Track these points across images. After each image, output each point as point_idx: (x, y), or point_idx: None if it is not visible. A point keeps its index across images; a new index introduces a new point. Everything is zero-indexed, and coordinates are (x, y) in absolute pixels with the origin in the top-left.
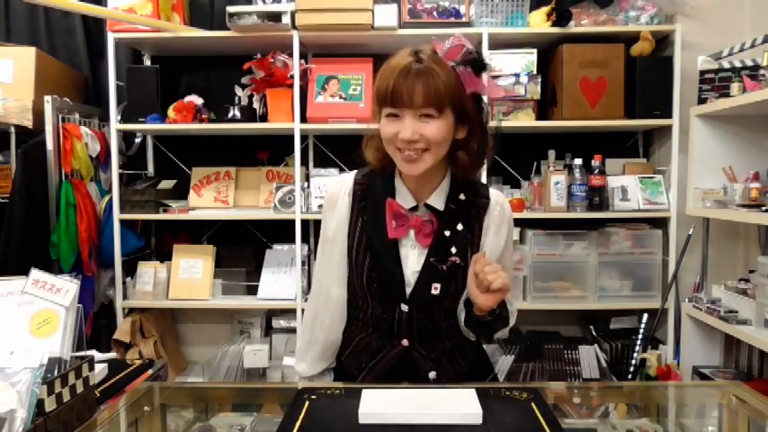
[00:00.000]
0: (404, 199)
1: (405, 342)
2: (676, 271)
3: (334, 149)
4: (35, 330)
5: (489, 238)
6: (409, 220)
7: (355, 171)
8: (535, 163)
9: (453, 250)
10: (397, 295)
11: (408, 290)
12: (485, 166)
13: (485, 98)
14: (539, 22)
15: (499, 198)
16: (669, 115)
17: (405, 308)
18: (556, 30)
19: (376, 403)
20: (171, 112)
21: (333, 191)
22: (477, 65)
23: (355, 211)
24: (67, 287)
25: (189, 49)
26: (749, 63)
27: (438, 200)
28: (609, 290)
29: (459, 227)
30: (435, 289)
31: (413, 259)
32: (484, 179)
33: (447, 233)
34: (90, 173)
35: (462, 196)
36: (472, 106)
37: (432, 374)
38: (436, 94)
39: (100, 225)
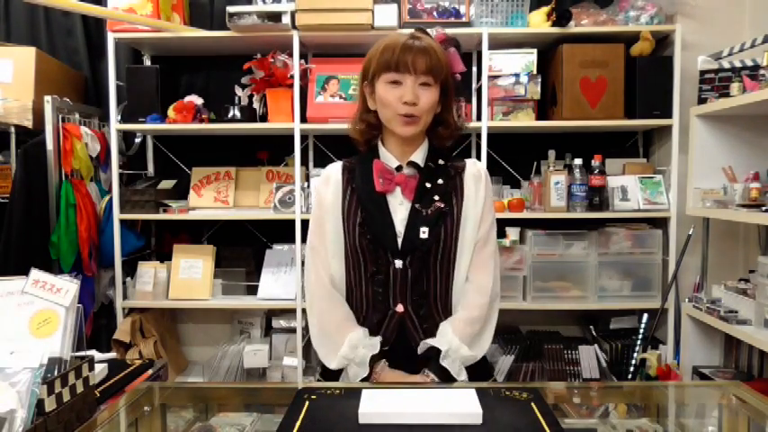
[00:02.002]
0: (388, 160)
1: (399, 308)
2: (676, 271)
3: (334, 149)
4: (35, 330)
5: (469, 189)
6: (395, 176)
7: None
8: (535, 163)
9: (436, 197)
10: (389, 247)
11: (399, 240)
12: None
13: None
14: (539, 22)
15: (474, 160)
16: (669, 115)
17: (398, 264)
18: (556, 30)
19: (376, 403)
20: (171, 112)
21: (326, 171)
22: (458, 47)
23: (345, 180)
24: (67, 287)
25: (189, 49)
26: (749, 63)
27: (418, 157)
28: (609, 290)
29: (440, 181)
30: (423, 233)
31: (402, 213)
32: None
33: (428, 185)
34: (90, 173)
35: (441, 161)
36: (453, 85)
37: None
38: (435, 65)
39: (100, 225)
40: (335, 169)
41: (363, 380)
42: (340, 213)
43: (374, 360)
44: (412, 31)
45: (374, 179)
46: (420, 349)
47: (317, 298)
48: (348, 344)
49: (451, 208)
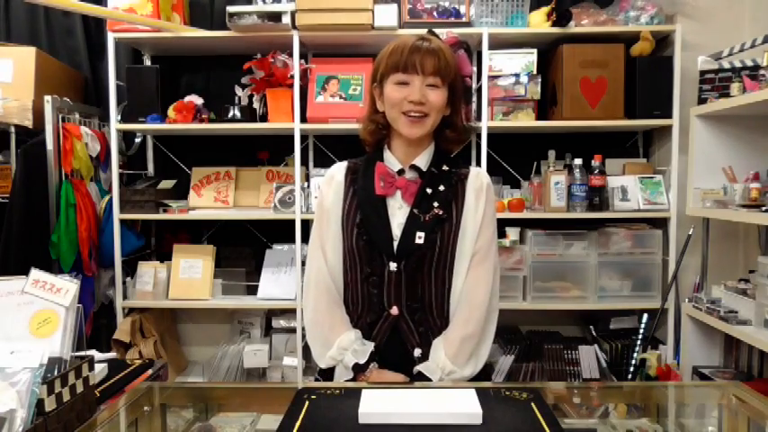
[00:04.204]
0: (391, 163)
1: (394, 310)
2: (676, 271)
3: (335, 149)
4: (35, 330)
5: (470, 199)
6: (396, 180)
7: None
8: (535, 163)
9: (436, 204)
10: (384, 250)
11: (395, 244)
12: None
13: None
14: (539, 22)
15: (479, 170)
16: (669, 115)
17: (393, 266)
18: (556, 30)
19: (376, 403)
20: (171, 112)
21: (330, 170)
22: (467, 50)
23: (348, 181)
24: (67, 287)
25: (189, 49)
26: (749, 63)
27: (422, 161)
28: (609, 290)
29: (441, 188)
30: (419, 238)
31: (400, 216)
32: None
33: (429, 191)
34: (90, 173)
35: (445, 167)
36: (461, 87)
37: (417, 352)
38: (444, 67)
39: (100, 225)
40: (339, 169)
41: (350, 381)
42: (340, 213)
43: (367, 363)
44: (422, 32)
45: (375, 182)
46: (414, 371)
47: (314, 295)
48: (338, 346)
49: (450, 216)
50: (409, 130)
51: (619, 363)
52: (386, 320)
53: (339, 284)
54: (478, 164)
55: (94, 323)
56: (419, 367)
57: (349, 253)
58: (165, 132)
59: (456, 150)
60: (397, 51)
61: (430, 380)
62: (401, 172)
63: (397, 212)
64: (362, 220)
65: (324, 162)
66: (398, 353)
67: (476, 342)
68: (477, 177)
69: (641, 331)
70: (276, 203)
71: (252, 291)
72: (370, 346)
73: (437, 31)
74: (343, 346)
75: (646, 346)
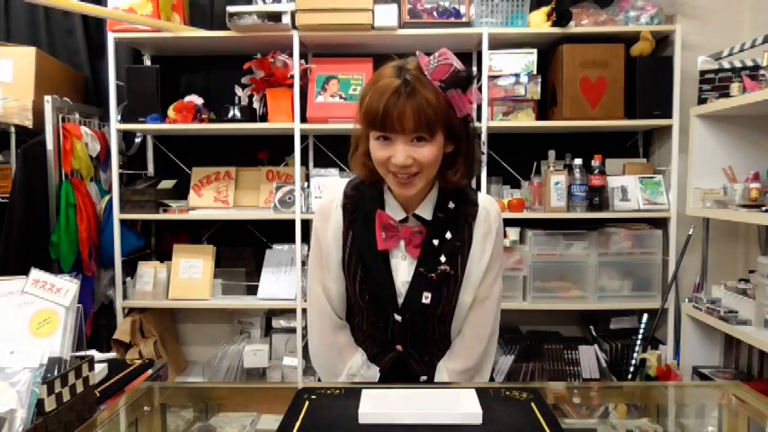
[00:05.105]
0: (394, 211)
1: (399, 348)
2: (676, 271)
3: (334, 149)
4: (35, 330)
5: (477, 244)
6: (399, 231)
7: (346, 182)
8: (535, 163)
9: (443, 259)
10: (389, 305)
11: (400, 300)
12: (483, 169)
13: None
14: (539, 22)
15: (486, 203)
16: (669, 115)
17: (398, 317)
18: (556, 30)
19: (376, 403)
20: (171, 112)
21: (324, 203)
22: (466, 83)
23: (346, 224)
24: (67, 287)
25: (189, 49)
26: (749, 63)
27: (426, 210)
28: (609, 290)
29: (448, 235)
30: (426, 298)
31: (403, 270)
32: (484, 180)
33: (435, 242)
34: (90, 173)
35: (451, 204)
36: (460, 124)
37: (423, 378)
38: (427, 119)
39: (100, 225)
40: (334, 205)
41: None
42: (340, 259)
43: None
44: (408, 61)
45: (376, 234)
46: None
47: (318, 323)
48: (347, 373)
49: (456, 270)
50: (400, 192)
51: (619, 363)
52: (390, 353)
53: (342, 309)
54: None
55: (94, 323)
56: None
57: (353, 299)
58: (164, 132)
59: (463, 185)
60: (374, 99)
61: None
62: (404, 220)
63: (401, 264)
64: (364, 278)
65: (324, 162)
66: (404, 376)
67: (476, 370)
68: (486, 220)
69: (641, 331)
70: (276, 203)
71: (252, 291)
72: (376, 370)
73: (440, 34)
74: (352, 372)
75: (646, 346)
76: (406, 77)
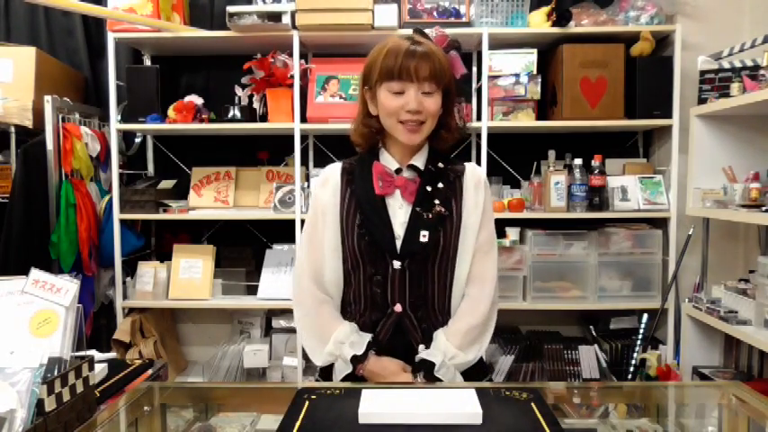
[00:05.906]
0: (388, 163)
1: (398, 308)
2: (676, 271)
3: (335, 149)
4: (35, 330)
5: (468, 193)
6: (395, 179)
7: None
8: (535, 163)
9: (437, 201)
10: (388, 249)
11: (398, 242)
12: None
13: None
14: (539, 22)
15: (474, 166)
16: (669, 115)
17: (396, 264)
18: (556, 30)
19: (376, 403)
20: (171, 112)
21: (324, 172)
22: (458, 51)
23: (344, 182)
24: (67, 287)
25: (189, 49)
26: (749, 63)
27: (419, 161)
28: (609, 290)
29: (440, 185)
30: (424, 236)
31: (401, 215)
32: None
33: (429, 188)
34: (90, 173)
35: (441, 165)
36: (454, 87)
37: (421, 348)
38: (438, 72)
39: (100, 225)
40: (334, 171)
41: (350, 374)
42: (338, 215)
43: (365, 354)
44: (411, 33)
45: (374, 182)
46: (417, 359)
47: (306, 295)
48: (334, 340)
49: (452, 213)
50: (408, 138)
51: (619, 363)
52: (389, 318)
53: (331, 287)
54: (478, 163)
55: (94, 323)
56: (422, 354)
57: (351, 254)
58: (164, 132)
59: (450, 148)
60: (390, 56)
61: (432, 364)
62: (399, 171)
63: (398, 211)
64: (363, 221)
65: (324, 162)
66: (402, 350)
67: (480, 332)
68: (474, 173)
69: (641, 331)
70: (276, 203)
71: (252, 291)
72: (367, 336)
73: (427, 30)
74: (339, 339)
75: (646, 346)
76: (416, 40)
